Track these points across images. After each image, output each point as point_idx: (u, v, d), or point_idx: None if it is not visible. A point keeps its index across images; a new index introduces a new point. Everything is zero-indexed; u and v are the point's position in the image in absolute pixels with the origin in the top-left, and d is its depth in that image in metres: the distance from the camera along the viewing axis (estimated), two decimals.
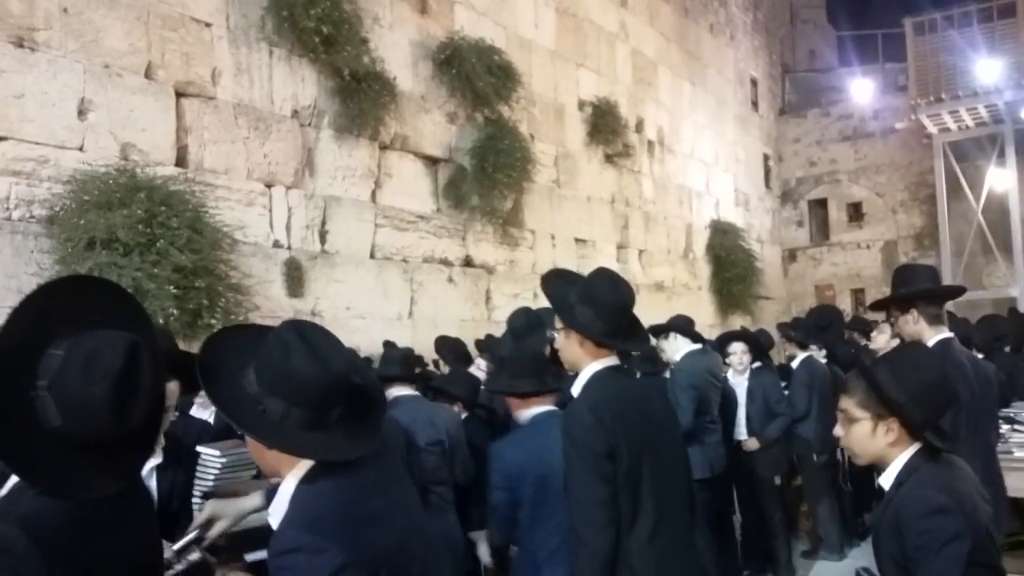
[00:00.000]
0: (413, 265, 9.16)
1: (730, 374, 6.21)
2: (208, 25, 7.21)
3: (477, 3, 10.36)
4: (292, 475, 1.67)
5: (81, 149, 6.25)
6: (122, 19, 6.57)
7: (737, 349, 6.18)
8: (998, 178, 15.85)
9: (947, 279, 14.31)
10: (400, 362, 4.60)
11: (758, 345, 6.37)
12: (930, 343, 3.40)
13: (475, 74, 9.62)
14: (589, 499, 2.49)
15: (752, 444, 5.98)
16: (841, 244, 18.63)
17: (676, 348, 5.30)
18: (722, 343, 6.39)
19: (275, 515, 1.67)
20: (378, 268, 8.70)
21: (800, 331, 6.74)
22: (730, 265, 15.53)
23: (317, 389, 1.65)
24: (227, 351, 1.73)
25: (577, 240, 11.91)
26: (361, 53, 8.25)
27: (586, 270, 10.96)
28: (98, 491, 1.51)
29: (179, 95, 6.97)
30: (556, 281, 2.98)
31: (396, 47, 9.08)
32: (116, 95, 6.48)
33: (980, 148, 16.26)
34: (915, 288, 3.52)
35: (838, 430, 2.35)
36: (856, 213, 18.64)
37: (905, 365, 2.25)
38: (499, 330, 9.82)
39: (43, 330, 1.51)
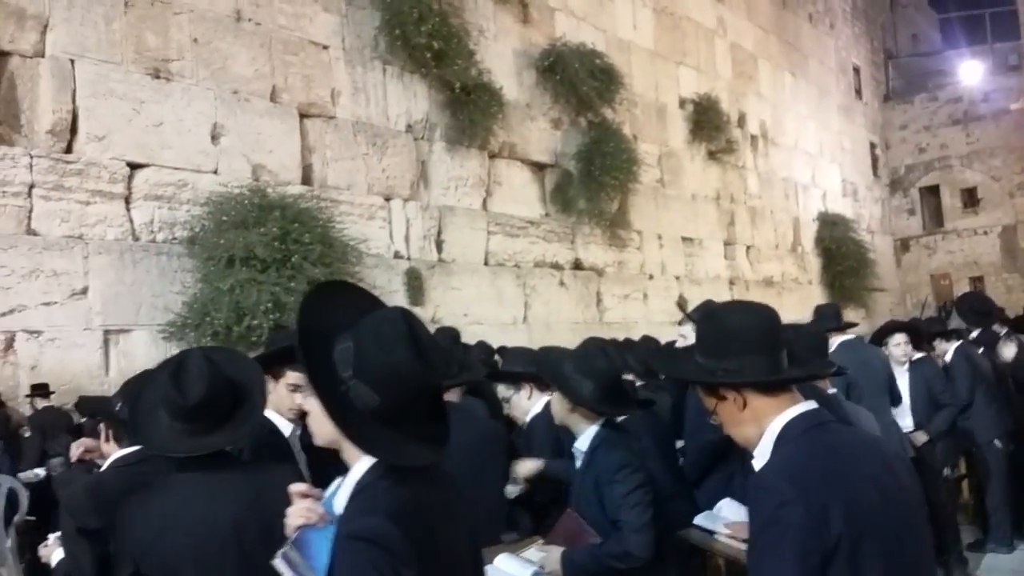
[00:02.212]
0: (525, 270, 9.27)
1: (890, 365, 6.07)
2: (326, 47, 7.49)
3: (576, 8, 10.44)
4: (777, 421, 1.79)
5: (216, 172, 6.58)
6: (247, 46, 6.88)
7: (900, 340, 6.01)
8: None
9: None
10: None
11: (919, 335, 6.21)
12: None
13: (578, 79, 9.70)
14: None
15: (920, 437, 5.83)
16: (956, 231, 18.00)
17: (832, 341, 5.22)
18: (882, 334, 6.23)
19: (760, 458, 1.79)
20: (492, 274, 8.85)
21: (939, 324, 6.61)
22: (841, 257, 15.17)
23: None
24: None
25: (684, 239, 11.83)
26: (469, 66, 8.43)
27: (693, 269, 10.93)
28: (427, 459, 1.65)
29: (302, 116, 7.25)
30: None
31: (501, 57, 9.23)
32: (245, 119, 6.80)
33: None
34: None
35: None
36: (971, 199, 17.99)
37: None
38: (611, 331, 9.84)
39: (326, 333, 1.66)
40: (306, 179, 7.21)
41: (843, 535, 1.58)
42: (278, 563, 1.63)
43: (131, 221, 6.15)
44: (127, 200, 6.15)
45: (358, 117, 7.70)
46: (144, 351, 6.05)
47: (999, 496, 6.35)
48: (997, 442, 6.23)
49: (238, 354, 2.52)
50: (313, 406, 1.67)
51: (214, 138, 6.61)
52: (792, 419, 1.78)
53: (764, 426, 1.79)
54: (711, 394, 1.86)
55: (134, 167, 6.17)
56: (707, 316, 1.98)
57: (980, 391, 6.17)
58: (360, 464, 1.65)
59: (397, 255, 7.89)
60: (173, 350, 6.15)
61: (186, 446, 2.15)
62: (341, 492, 1.67)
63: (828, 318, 5.48)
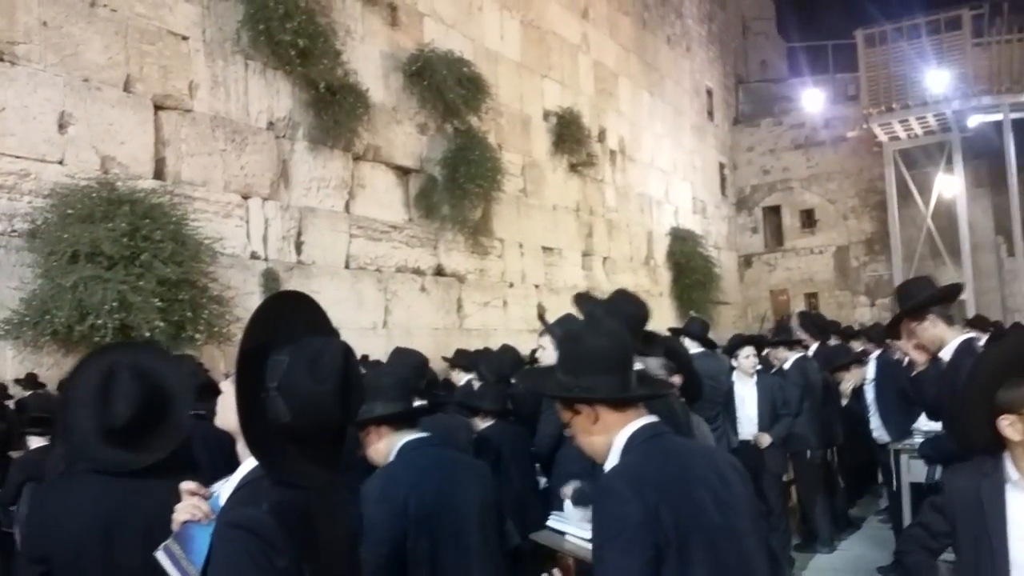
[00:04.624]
0: (387, 275, 9.23)
1: (737, 376, 6.45)
2: (185, 38, 7.24)
3: (445, 16, 10.49)
4: (623, 433, 1.97)
5: (62, 163, 6.25)
6: (101, 33, 6.57)
7: (749, 352, 6.44)
8: (946, 184, 16.41)
9: (897, 283, 14.76)
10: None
11: (763, 348, 6.70)
12: (954, 343, 3.60)
13: (445, 85, 9.75)
14: None
15: (764, 439, 6.24)
16: (795, 250, 19.08)
17: None
18: (733, 347, 6.64)
19: (609, 466, 1.96)
20: (353, 278, 8.77)
21: (785, 333, 7.16)
22: (690, 271, 15.85)
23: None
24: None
25: (544, 248, 12.07)
26: (335, 66, 8.33)
27: (553, 278, 11.13)
28: (315, 481, 1.69)
29: (157, 108, 6.98)
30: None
31: (368, 59, 9.17)
32: (96, 108, 6.49)
33: (928, 156, 16.81)
34: (924, 295, 3.74)
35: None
36: (808, 220, 19.08)
37: None
38: (471, 338, 9.95)
39: (266, 340, 1.71)
40: (159, 174, 6.94)
41: (673, 531, 1.79)
42: (159, 555, 1.73)
43: None
44: None
45: (217, 112, 7.48)
46: None
47: (818, 501, 6.86)
48: (814, 451, 6.75)
49: (167, 356, 2.61)
50: (228, 391, 1.74)
51: (61, 127, 6.28)
52: (635, 431, 1.98)
53: (612, 437, 2.00)
54: (568, 408, 2.04)
55: None
56: (568, 338, 2.18)
57: (808, 402, 6.66)
58: (250, 461, 1.72)
59: (254, 255, 7.71)
60: (8, 349, 5.81)
61: (115, 462, 2.28)
62: (226, 486, 1.75)
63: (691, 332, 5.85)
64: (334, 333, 1.85)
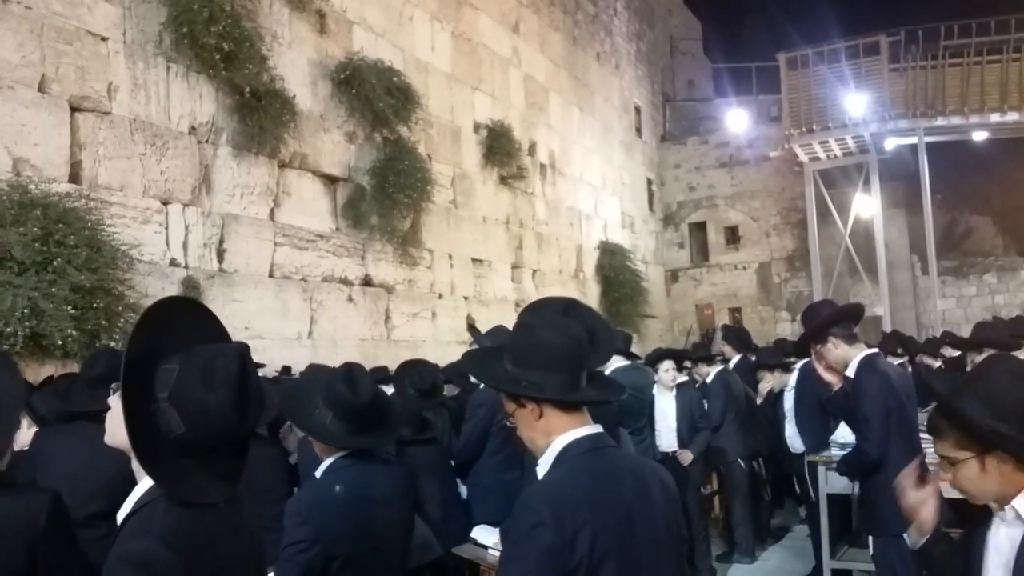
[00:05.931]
0: (312, 284, 9.08)
1: (657, 389, 6.51)
2: (104, 39, 7.02)
3: (375, 25, 10.41)
4: (561, 439, 1.90)
5: None
6: (14, 30, 6.32)
7: (669, 366, 6.51)
8: (863, 204, 16.93)
9: (817, 299, 15.15)
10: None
11: (682, 361, 6.79)
12: (857, 359, 3.69)
13: (374, 95, 9.67)
14: None
15: (687, 456, 6.29)
16: (719, 265, 19.45)
17: (608, 364, 5.53)
18: (653, 360, 6.71)
19: (542, 466, 1.90)
20: (277, 287, 8.60)
21: (704, 349, 7.25)
22: (618, 285, 16.01)
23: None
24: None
25: (474, 260, 12.05)
26: (261, 71, 8.18)
27: (482, 290, 11.11)
28: (215, 496, 1.59)
29: (74, 110, 6.75)
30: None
31: (295, 66, 9.04)
32: (7, 109, 6.23)
33: (847, 176, 17.36)
34: (821, 319, 3.83)
35: (944, 475, 2.03)
36: (733, 236, 19.49)
37: (994, 390, 1.95)
38: (399, 349, 9.85)
39: (153, 348, 1.59)
40: (74, 177, 6.70)
41: (585, 557, 1.73)
42: None
43: None
44: None
45: (137, 115, 7.27)
46: None
47: (742, 511, 6.96)
48: (741, 462, 6.86)
49: None
50: (116, 405, 1.63)
51: None
52: (573, 441, 1.90)
53: (551, 439, 1.91)
54: (513, 400, 1.96)
55: None
56: (522, 326, 2.06)
57: (731, 414, 6.76)
58: (145, 481, 1.61)
59: (173, 263, 7.49)
60: None
61: None
62: (124, 506, 1.63)
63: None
64: (228, 340, 1.76)
